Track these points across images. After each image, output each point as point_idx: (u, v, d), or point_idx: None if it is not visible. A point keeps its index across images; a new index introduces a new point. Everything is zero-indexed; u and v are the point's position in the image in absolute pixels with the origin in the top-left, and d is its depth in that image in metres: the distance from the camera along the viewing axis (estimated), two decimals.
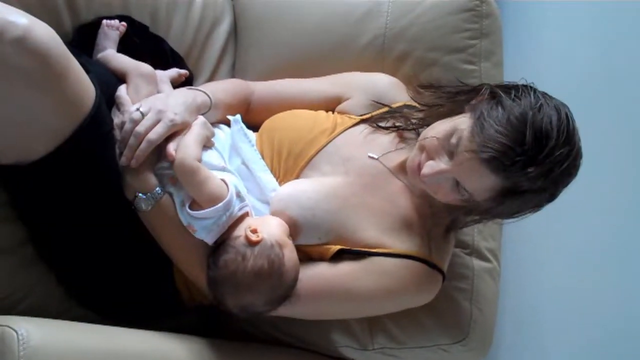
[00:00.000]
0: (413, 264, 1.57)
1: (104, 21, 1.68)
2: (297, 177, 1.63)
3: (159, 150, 1.51)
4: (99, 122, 1.43)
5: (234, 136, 1.66)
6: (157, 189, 1.50)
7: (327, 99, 1.77)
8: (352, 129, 1.69)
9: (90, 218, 1.49)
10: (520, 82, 1.51)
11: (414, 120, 1.66)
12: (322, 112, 1.74)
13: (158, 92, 1.62)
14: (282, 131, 1.68)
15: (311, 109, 1.75)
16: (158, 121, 1.49)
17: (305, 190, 1.59)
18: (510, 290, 1.98)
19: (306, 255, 1.58)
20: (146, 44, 1.76)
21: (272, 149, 1.66)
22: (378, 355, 1.74)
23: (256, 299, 1.48)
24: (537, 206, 1.49)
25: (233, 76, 1.94)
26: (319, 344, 1.77)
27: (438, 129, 1.51)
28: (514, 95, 1.46)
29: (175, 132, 1.51)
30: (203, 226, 1.49)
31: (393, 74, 1.80)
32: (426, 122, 1.62)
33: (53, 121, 1.36)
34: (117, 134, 1.49)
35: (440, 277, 1.61)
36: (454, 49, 1.78)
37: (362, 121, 1.70)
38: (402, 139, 1.67)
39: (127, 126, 1.48)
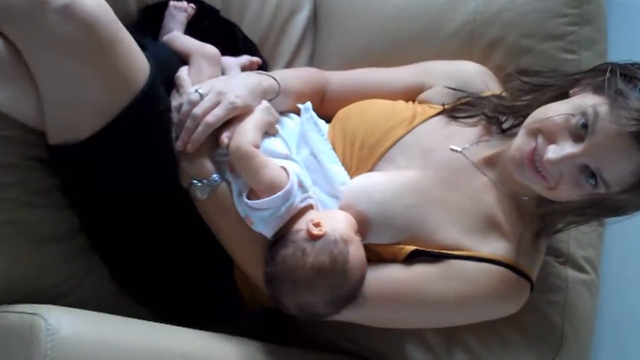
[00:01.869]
0: (497, 270, 1.40)
1: (171, 2, 1.59)
2: (371, 170, 1.49)
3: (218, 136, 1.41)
4: (152, 101, 1.34)
5: (303, 125, 1.53)
6: (214, 175, 1.39)
7: (407, 88, 1.63)
8: (433, 119, 1.54)
9: (143, 207, 1.39)
10: None
11: (502, 111, 1.50)
12: (401, 102, 1.60)
13: (223, 75, 1.52)
14: (356, 120, 1.54)
15: (391, 99, 1.61)
16: (217, 103, 1.38)
17: (377, 183, 1.45)
18: (611, 305, 1.76)
19: (377, 256, 1.43)
20: (216, 29, 1.65)
21: (345, 139, 1.52)
22: None
23: (316, 298, 1.34)
24: None
25: (311, 66, 1.82)
26: (387, 356, 1.60)
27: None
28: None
29: (236, 116, 1.40)
30: (261, 218, 1.36)
31: (482, 64, 1.64)
32: (520, 112, 1.45)
33: (101, 97, 1.28)
34: (175, 116, 1.40)
35: (528, 286, 1.43)
36: (552, 35, 1.61)
37: (445, 111, 1.55)
38: (488, 131, 1.51)
39: (185, 108, 1.38)
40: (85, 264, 1.45)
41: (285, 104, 1.55)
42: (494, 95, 1.54)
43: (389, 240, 1.42)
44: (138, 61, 1.31)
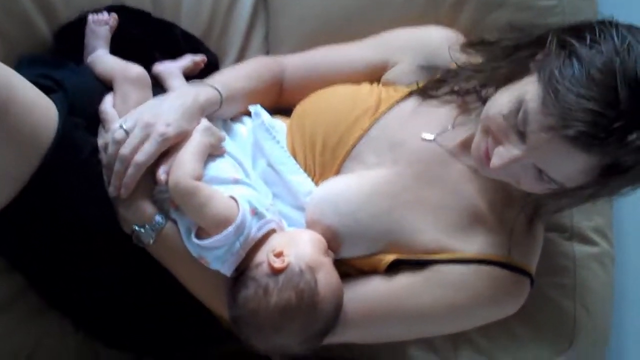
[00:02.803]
0: (488, 270, 1.24)
1: (89, 17, 1.41)
2: (337, 174, 1.33)
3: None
4: (68, 151, 1.19)
5: (255, 133, 1.37)
6: (157, 217, 1.24)
7: (370, 66, 1.44)
8: (400, 104, 1.36)
9: (92, 254, 1.26)
10: (596, 20, 1.13)
11: (478, 82, 1.31)
12: (365, 86, 1.42)
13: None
14: (314, 118, 1.37)
15: (354, 82, 1.43)
16: (146, 138, 1.22)
17: (343, 190, 1.28)
18: (632, 275, 1.58)
19: (356, 269, 1.29)
20: (150, 34, 1.48)
21: (304, 142, 1.36)
22: None
23: (288, 340, 1.20)
24: None
25: (267, 50, 1.63)
26: (390, 357, 1.47)
27: (500, 101, 1.16)
28: (590, 40, 1.09)
29: (173, 145, 1.24)
30: (215, 257, 1.21)
31: (451, 24, 1.45)
32: (499, 79, 1.25)
33: (5, 166, 1.13)
34: (104, 157, 1.25)
35: (527, 281, 1.27)
36: None
37: (412, 93, 1.37)
38: (464, 109, 1.32)
39: (110, 149, 1.23)
40: (40, 324, 1.33)
41: (236, 109, 1.39)
42: (465, 65, 1.35)
43: (366, 252, 1.27)
44: (40, 115, 1.16)
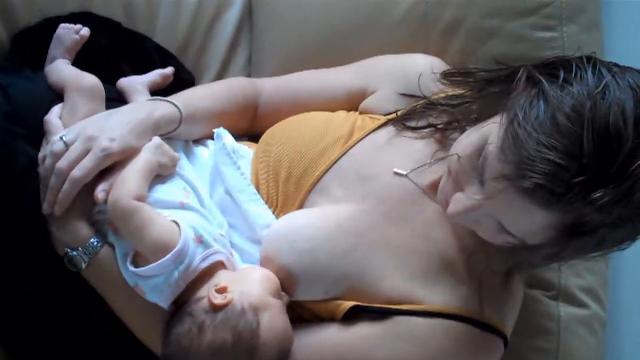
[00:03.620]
0: (456, 326, 1.10)
1: (62, 24, 1.31)
2: (300, 207, 1.21)
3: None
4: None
5: (216, 157, 1.25)
6: (92, 240, 1.12)
7: (348, 93, 1.32)
8: (374, 134, 1.24)
9: (26, 277, 1.15)
10: (578, 55, 0.99)
11: (457, 117, 1.19)
12: (341, 113, 1.30)
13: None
14: (281, 143, 1.25)
15: (332, 109, 1.32)
16: (87, 152, 1.11)
17: (302, 227, 1.16)
18: (626, 343, 1.43)
19: (311, 313, 1.16)
20: (119, 45, 1.38)
21: (268, 170, 1.23)
22: None
23: None
24: (623, 241, 0.99)
25: (249, 72, 1.53)
26: None
27: (465, 142, 1.04)
28: (563, 79, 0.96)
29: (117, 163, 1.13)
30: (152, 286, 1.09)
31: (441, 54, 1.33)
32: (480, 114, 1.14)
33: None
34: (41, 171, 1.14)
35: (500, 342, 1.13)
36: (522, 11, 1.30)
37: (389, 122, 1.25)
38: (444, 145, 1.20)
39: (47, 161, 1.12)
40: None
41: (199, 130, 1.28)
42: (448, 97, 1.23)
43: (323, 295, 1.14)
44: None
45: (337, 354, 1.13)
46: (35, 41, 1.32)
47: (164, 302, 1.10)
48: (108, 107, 1.22)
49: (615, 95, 0.92)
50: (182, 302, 1.11)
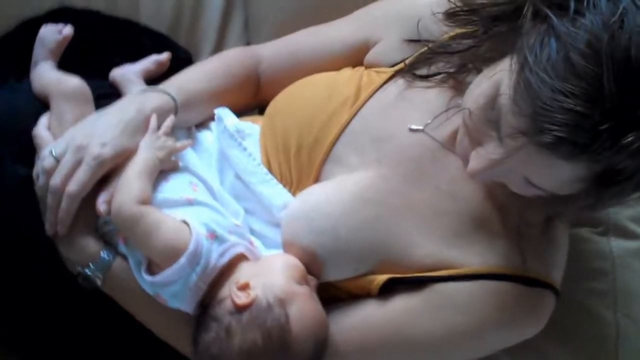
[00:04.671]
0: (499, 286, 1.02)
1: (43, 26, 1.22)
2: (316, 180, 1.13)
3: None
4: None
5: (219, 140, 1.18)
6: (103, 254, 1.06)
7: (350, 49, 1.22)
8: (383, 89, 1.14)
9: (43, 304, 1.11)
10: None
11: (470, 58, 1.08)
12: (345, 72, 1.20)
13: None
14: (286, 114, 1.17)
15: (336, 68, 1.22)
16: (79, 163, 1.04)
17: (319, 203, 1.08)
18: None
19: (345, 291, 1.10)
20: (104, 36, 1.31)
21: (277, 145, 1.15)
22: None
23: None
24: None
25: (247, 40, 1.44)
26: None
27: (477, 90, 0.94)
28: (575, 11, 0.84)
29: (116, 167, 1.06)
30: (172, 293, 1.03)
31: None
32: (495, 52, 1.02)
33: None
34: (37, 190, 1.08)
35: (549, 295, 1.04)
36: None
37: (397, 73, 1.15)
38: (459, 90, 1.09)
39: (40, 179, 1.06)
40: None
41: (199, 114, 1.20)
42: (456, 37, 1.11)
43: (353, 273, 1.07)
44: None
45: (378, 332, 1.07)
46: (16, 47, 1.25)
47: (188, 307, 1.04)
48: (104, 104, 1.14)
49: (635, 22, 0.81)
50: (207, 303, 1.06)
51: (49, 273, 1.08)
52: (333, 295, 1.10)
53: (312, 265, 1.07)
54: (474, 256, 1.03)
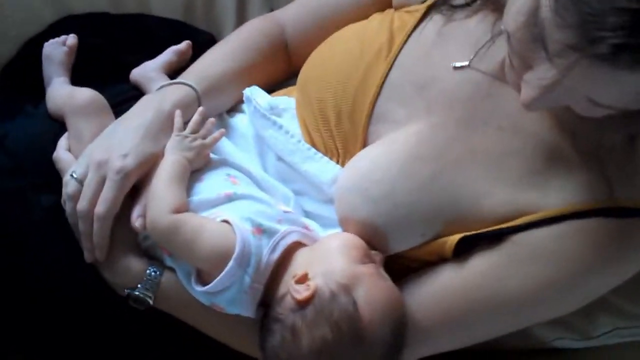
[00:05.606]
0: (587, 225, 0.89)
1: (45, 44, 1.15)
2: (365, 144, 1.01)
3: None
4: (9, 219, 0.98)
5: (253, 122, 1.08)
6: (149, 271, 0.98)
7: None
8: (418, 31, 1.01)
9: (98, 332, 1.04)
10: None
11: None
12: (374, 19, 1.08)
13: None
14: (319, 81, 1.05)
15: (364, 16, 1.10)
16: (103, 181, 0.96)
17: (369, 170, 0.96)
18: None
19: (417, 260, 0.98)
20: (116, 38, 1.21)
21: (314, 115, 1.04)
22: (613, 338, 1.10)
23: None
24: None
25: (271, 5, 1.31)
26: (520, 343, 1.16)
27: (513, 11, 0.80)
28: None
29: (144, 176, 0.98)
30: (228, 300, 0.94)
31: None
32: None
33: None
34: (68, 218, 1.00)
35: None
36: None
37: (430, 9, 1.02)
38: (501, 12, 0.94)
39: (67, 207, 0.98)
40: None
41: (228, 99, 1.11)
42: None
43: (421, 239, 0.95)
44: None
45: (462, 299, 0.95)
46: (25, 70, 1.18)
47: (248, 311, 0.95)
48: (127, 110, 1.05)
49: None
50: (269, 303, 0.96)
51: (98, 301, 1.00)
52: (404, 267, 0.99)
53: (374, 239, 0.96)
54: (552, 195, 0.90)
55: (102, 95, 1.09)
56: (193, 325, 1.01)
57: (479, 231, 0.93)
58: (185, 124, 1.03)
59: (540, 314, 0.96)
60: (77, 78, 1.14)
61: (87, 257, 0.98)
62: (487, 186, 0.93)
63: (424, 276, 0.98)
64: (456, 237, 0.94)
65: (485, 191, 0.93)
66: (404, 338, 0.93)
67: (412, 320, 0.95)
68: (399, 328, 0.92)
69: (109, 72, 1.17)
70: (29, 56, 1.18)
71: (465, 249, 0.95)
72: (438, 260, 0.97)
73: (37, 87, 1.15)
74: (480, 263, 0.94)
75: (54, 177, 1.01)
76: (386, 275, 0.95)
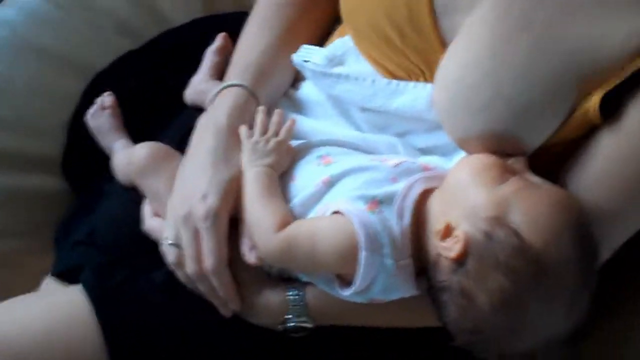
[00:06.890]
0: None
1: (86, 118, 1.06)
2: (444, 46, 0.83)
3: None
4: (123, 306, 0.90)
5: (319, 87, 0.93)
6: (290, 294, 0.87)
7: None
8: None
9: None
10: None
11: None
12: None
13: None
14: (361, 6, 0.89)
15: None
16: (197, 234, 0.85)
17: (461, 79, 0.79)
18: None
19: (564, 144, 0.81)
20: (146, 70, 1.11)
21: (377, 44, 0.88)
22: None
23: (549, 323, 0.75)
24: None
25: None
26: None
27: None
28: None
29: (236, 206, 0.86)
30: (382, 290, 0.81)
31: None
32: None
33: None
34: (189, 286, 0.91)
35: None
36: None
37: None
38: None
39: (180, 275, 0.88)
40: None
41: (286, 75, 0.97)
42: None
43: (557, 120, 0.78)
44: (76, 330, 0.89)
45: (635, 162, 0.76)
46: (84, 149, 1.09)
47: (408, 291, 0.82)
48: None
49: None
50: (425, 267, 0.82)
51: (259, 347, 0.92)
52: (555, 156, 0.82)
53: (504, 146, 0.80)
54: None
55: (168, 132, 1.01)
56: (366, 325, 0.89)
57: (620, 79, 0.74)
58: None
59: None
60: (139, 129, 1.05)
61: (224, 312, 0.88)
62: (603, 23, 0.74)
63: (580, 157, 0.80)
64: (597, 98, 0.76)
65: (603, 30, 0.74)
66: (594, 239, 0.76)
67: (591, 210, 0.78)
68: (582, 232, 0.75)
69: (162, 110, 1.07)
70: (78, 137, 1.09)
71: (613, 110, 0.76)
72: (588, 134, 0.79)
73: (104, 162, 1.06)
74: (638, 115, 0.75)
75: (155, 249, 0.92)
76: (538, 180, 0.78)
